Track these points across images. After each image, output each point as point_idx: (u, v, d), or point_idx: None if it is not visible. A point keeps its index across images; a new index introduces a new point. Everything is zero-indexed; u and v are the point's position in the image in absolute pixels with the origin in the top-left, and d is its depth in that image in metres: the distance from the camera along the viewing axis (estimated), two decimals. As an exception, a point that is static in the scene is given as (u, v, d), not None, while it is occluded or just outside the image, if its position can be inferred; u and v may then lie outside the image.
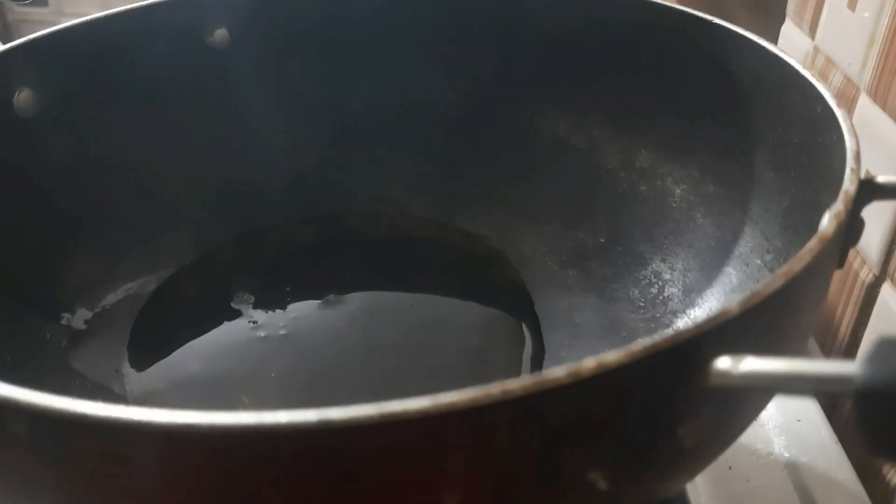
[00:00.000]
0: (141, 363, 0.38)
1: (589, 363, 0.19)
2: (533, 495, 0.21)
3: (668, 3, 0.40)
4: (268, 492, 0.19)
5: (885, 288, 0.40)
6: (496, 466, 0.19)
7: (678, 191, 0.42)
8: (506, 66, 0.45)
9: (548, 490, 0.21)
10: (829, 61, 0.46)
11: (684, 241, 0.40)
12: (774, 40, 0.37)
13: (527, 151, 0.46)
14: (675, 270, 0.40)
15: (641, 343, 0.19)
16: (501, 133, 0.46)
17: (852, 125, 0.29)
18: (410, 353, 0.39)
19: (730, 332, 0.20)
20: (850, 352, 0.44)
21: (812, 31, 0.48)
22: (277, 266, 0.44)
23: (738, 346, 0.20)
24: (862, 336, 0.42)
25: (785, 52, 0.34)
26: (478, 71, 0.46)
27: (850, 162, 0.27)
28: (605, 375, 0.19)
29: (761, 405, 0.26)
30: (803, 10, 0.49)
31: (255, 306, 0.41)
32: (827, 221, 0.24)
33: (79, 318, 0.39)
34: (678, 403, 0.20)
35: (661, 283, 0.40)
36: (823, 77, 0.46)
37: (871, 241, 0.40)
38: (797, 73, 0.33)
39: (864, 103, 0.42)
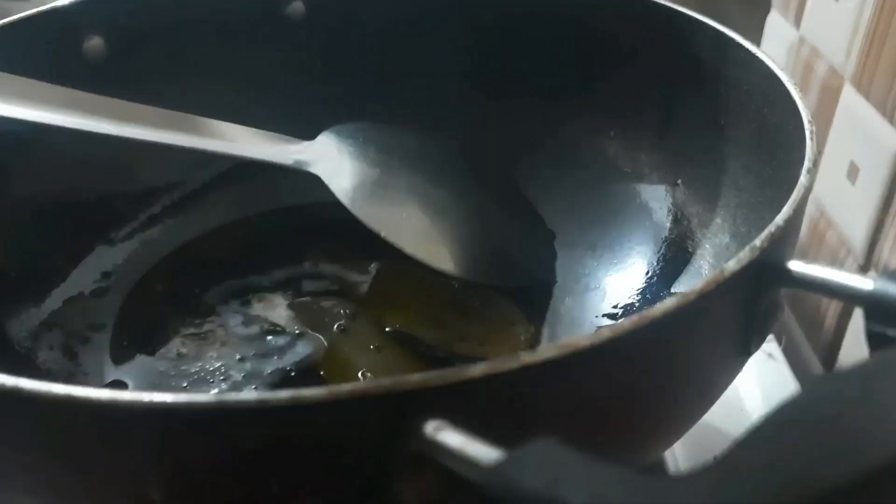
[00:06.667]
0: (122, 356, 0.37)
1: (283, 394, 0.18)
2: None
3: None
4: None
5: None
6: (190, 474, 0.20)
7: (698, 234, 0.38)
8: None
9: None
10: (815, 51, 0.45)
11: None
12: (760, 30, 0.37)
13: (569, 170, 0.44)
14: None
15: (351, 385, 0.18)
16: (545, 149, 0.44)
17: (800, 204, 0.25)
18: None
19: (459, 396, 0.19)
20: (836, 342, 0.42)
21: (797, 22, 0.47)
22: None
23: (481, 419, 0.18)
24: (847, 326, 0.41)
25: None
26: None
27: (761, 239, 0.23)
28: (300, 408, 0.18)
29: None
30: (788, 0, 0.48)
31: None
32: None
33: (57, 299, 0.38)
34: (391, 456, 0.19)
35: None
36: (809, 68, 0.44)
37: (856, 232, 0.40)
38: (795, 106, 0.30)
39: (849, 93, 0.41)
